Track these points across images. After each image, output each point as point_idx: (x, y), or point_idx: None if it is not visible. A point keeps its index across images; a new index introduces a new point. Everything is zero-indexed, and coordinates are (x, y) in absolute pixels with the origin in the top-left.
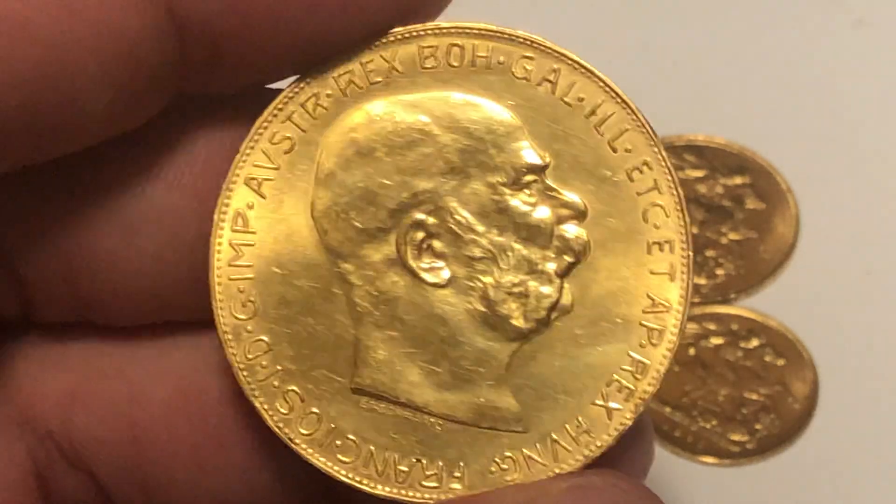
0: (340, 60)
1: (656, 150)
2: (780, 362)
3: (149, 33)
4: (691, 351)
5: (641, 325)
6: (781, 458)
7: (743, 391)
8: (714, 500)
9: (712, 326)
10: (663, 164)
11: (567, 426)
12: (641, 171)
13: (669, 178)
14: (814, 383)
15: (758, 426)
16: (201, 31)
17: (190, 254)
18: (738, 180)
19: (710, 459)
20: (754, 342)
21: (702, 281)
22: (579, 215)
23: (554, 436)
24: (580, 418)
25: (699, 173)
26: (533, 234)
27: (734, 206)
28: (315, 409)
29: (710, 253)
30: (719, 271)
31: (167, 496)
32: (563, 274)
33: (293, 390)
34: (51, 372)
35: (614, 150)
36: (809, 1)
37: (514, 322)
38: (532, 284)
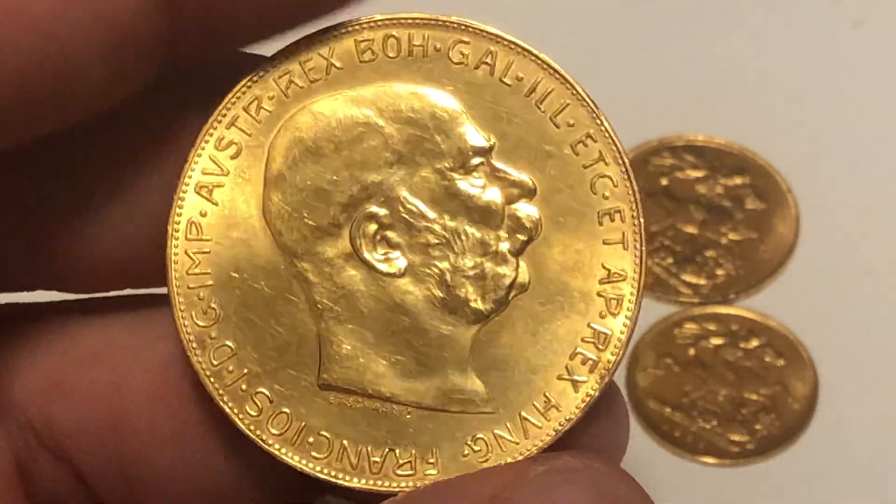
0: (279, 62)
1: (599, 121)
2: (780, 362)
3: (141, 7)
4: (691, 351)
5: (599, 295)
6: (781, 458)
7: (743, 391)
8: (714, 500)
9: (712, 326)
10: (607, 135)
11: (535, 403)
12: (586, 144)
13: (614, 147)
14: (814, 383)
15: (758, 426)
16: (192, 2)
17: (157, 225)
18: (738, 180)
19: (710, 459)
20: (754, 342)
21: (702, 281)
22: (528, 193)
23: (523, 413)
24: (547, 393)
25: (699, 173)
26: (484, 215)
27: (734, 206)
28: (285, 409)
29: (710, 253)
30: (719, 271)
31: (149, 484)
32: (518, 252)
33: (261, 392)
34: (29, 360)
35: (557, 126)
36: (809, 1)
37: (473, 304)
38: (488, 266)
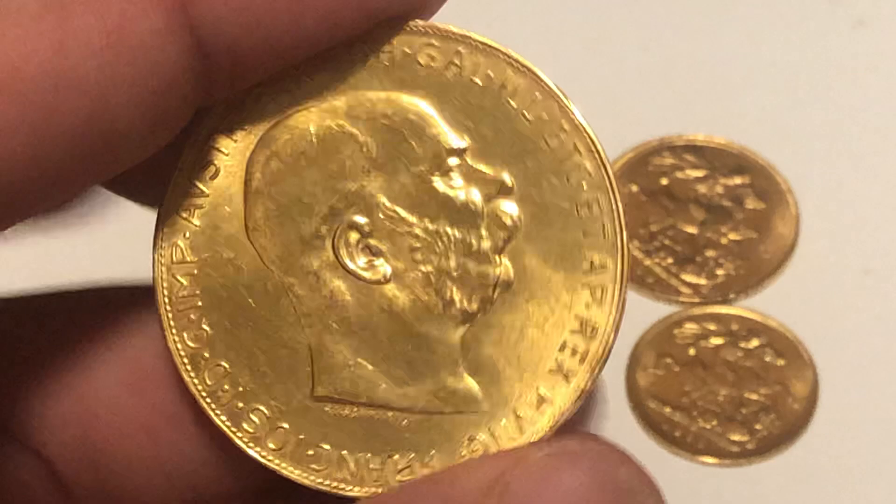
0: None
1: (570, 114)
2: (780, 362)
3: (180, 61)
4: (691, 351)
5: (583, 286)
6: (781, 458)
7: (743, 391)
8: (714, 500)
9: (712, 326)
10: (579, 126)
11: (528, 398)
12: (559, 137)
13: (588, 138)
14: (814, 383)
15: (758, 426)
16: (225, 53)
17: None
18: (738, 180)
19: (710, 459)
20: (754, 342)
21: (702, 281)
22: (506, 190)
23: (517, 409)
24: (539, 388)
25: (699, 173)
26: (464, 215)
27: (734, 206)
28: (282, 424)
29: (710, 253)
30: (719, 271)
31: (119, 475)
32: (500, 250)
33: (258, 409)
34: None
35: (529, 121)
36: (809, 1)
37: (459, 305)
38: (471, 265)
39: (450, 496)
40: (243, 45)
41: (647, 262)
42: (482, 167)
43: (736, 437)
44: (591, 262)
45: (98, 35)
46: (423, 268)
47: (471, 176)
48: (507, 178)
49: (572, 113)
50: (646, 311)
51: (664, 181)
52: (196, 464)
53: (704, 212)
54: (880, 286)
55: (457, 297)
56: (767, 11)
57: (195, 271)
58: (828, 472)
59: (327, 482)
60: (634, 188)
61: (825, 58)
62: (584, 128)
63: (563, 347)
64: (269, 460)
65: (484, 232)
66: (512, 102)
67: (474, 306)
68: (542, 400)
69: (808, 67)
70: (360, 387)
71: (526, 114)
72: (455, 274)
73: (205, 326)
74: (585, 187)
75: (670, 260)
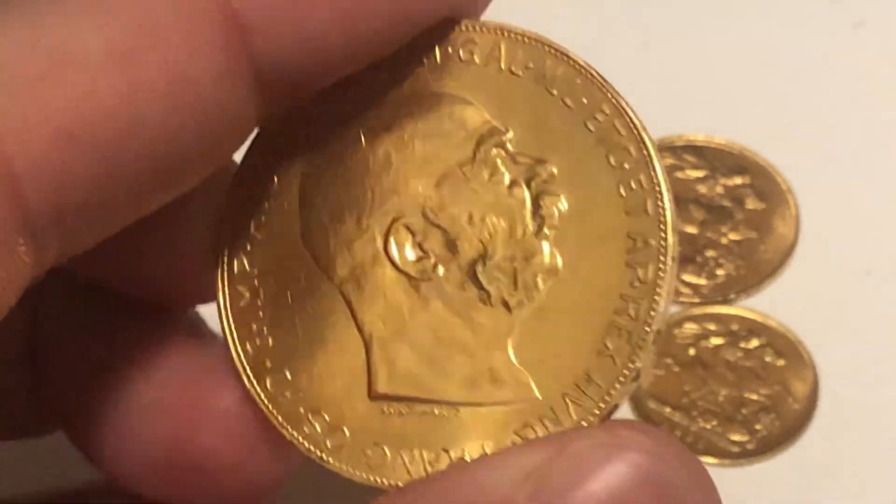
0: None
1: (610, 95)
2: (780, 362)
3: (242, 97)
4: (691, 351)
5: (627, 265)
6: (781, 458)
7: (743, 391)
8: None
9: (712, 326)
10: (619, 107)
11: (577, 382)
12: (599, 120)
13: (629, 119)
14: (814, 383)
15: (758, 426)
16: (285, 81)
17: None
18: (738, 180)
19: (710, 459)
20: (754, 342)
21: (702, 281)
22: (550, 177)
23: (566, 394)
24: (588, 371)
25: (699, 173)
26: (509, 205)
27: (734, 206)
28: (340, 425)
29: (710, 253)
30: (719, 271)
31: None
32: (546, 237)
33: (318, 413)
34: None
35: (570, 107)
36: (809, 1)
37: (506, 295)
38: (518, 255)
39: (485, 485)
40: (302, 72)
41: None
42: (525, 156)
43: (736, 438)
44: (635, 241)
45: (163, 82)
46: (470, 257)
47: (514, 165)
48: (549, 165)
49: (613, 95)
50: None
51: None
52: (259, 464)
53: (704, 212)
54: (881, 286)
55: (504, 286)
56: (767, 11)
57: (255, 282)
58: (828, 472)
59: (386, 481)
60: None
61: (825, 58)
62: (623, 108)
63: (609, 329)
64: (329, 463)
65: (529, 220)
66: (553, 90)
67: (521, 295)
68: (589, 381)
69: (808, 67)
70: (415, 383)
71: (566, 100)
72: (502, 264)
73: (266, 335)
74: (627, 167)
75: None
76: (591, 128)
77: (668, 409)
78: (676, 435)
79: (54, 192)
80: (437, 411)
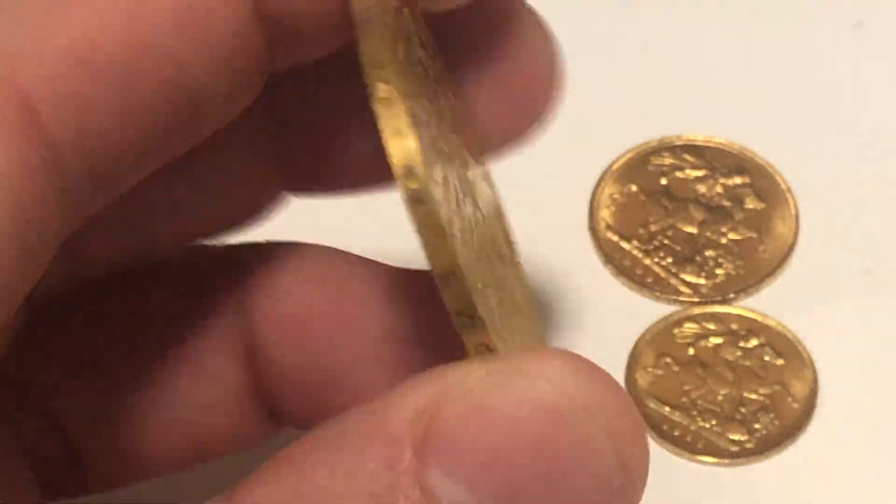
0: None
1: None
2: (780, 362)
3: (246, 25)
4: (691, 351)
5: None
6: (781, 458)
7: (742, 391)
8: (713, 500)
9: (712, 326)
10: None
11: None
12: None
13: None
14: (813, 383)
15: (757, 426)
16: (286, 18)
17: None
18: (737, 180)
19: (709, 459)
20: (754, 342)
21: (702, 281)
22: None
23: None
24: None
25: (699, 173)
26: None
27: (734, 206)
28: None
29: (710, 253)
30: (719, 271)
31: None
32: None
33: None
34: None
35: None
36: (809, 1)
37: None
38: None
39: (381, 424)
40: (300, 11)
41: (647, 262)
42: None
43: (735, 437)
44: None
45: (169, 3)
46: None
47: None
48: None
49: None
50: (645, 311)
51: (664, 181)
52: None
53: (704, 212)
54: (880, 286)
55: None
56: (767, 12)
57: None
58: (827, 472)
59: None
60: (634, 188)
61: (825, 58)
62: None
63: None
64: None
65: None
66: None
67: None
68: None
69: (808, 67)
70: None
71: None
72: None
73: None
74: None
75: (670, 259)
76: None
77: (667, 409)
78: (676, 435)
79: (75, 120)
80: None
